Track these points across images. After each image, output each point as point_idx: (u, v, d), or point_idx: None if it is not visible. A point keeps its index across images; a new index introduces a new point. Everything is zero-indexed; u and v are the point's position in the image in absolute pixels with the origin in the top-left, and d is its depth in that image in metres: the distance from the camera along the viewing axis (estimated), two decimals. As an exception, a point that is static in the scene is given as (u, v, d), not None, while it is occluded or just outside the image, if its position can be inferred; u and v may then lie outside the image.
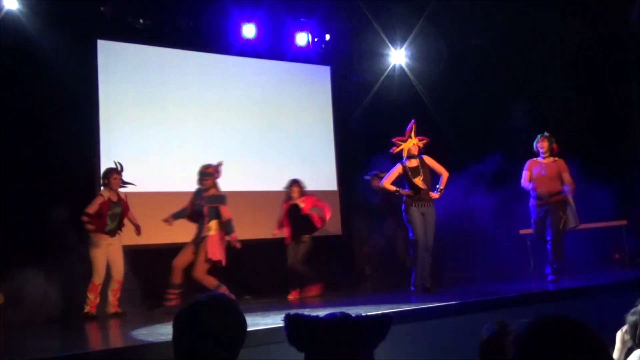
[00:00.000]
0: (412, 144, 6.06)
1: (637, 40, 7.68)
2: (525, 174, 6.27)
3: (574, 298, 4.80)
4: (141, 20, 7.47)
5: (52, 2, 6.86)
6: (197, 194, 6.12)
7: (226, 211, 6.02)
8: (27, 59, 6.59)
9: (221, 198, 6.07)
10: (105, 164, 7.23)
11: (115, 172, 6.16)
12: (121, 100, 7.55)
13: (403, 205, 6.03)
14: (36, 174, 6.49)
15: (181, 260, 5.96)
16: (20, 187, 6.34)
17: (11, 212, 6.16)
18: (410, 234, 6.00)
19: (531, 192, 6.22)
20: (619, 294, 4.17)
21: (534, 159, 6.30)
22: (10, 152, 6.33)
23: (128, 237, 7.29)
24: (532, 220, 6.27)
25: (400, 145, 6.12)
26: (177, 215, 6.28)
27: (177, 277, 5.90)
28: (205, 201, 6.01)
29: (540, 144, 6.21)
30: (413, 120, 6.15)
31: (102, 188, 6.19)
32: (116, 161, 6.26)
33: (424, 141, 6.16)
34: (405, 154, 6.10)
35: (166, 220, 6.22)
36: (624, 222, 7.34)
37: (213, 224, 5.94)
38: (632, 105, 7.97)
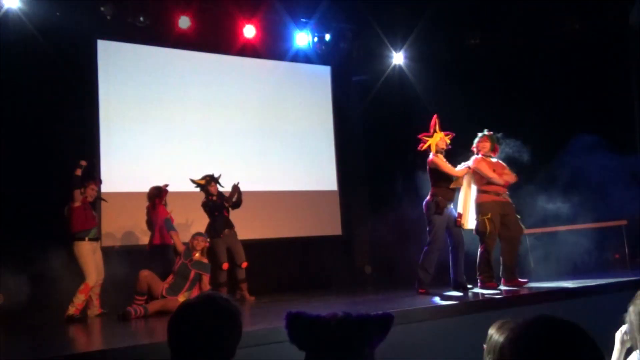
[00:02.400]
0: (439, 137, 5.76)
1: (637, 40, 7.69)
2: (485, 166, 5.71)
3: (573, 298, 4.80)
4: (141, 19, 7.46)
5: (53, 1, 6.87)
6: (187, 252, 5.96)
7: (208, 281, 5.96)
8: (27, 59, 6.59)
9: (207, 267, 6.01)
10: (105, 164, 7.24)
11: (94, 183, 6.18)
12: (121, 100, 7.56)
13: (435, 204, 5.58)
14: (36, 173, 6.49)
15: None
16: (20, 186, 6.34)
17: (10, 212, 6.16)
18: (431, 238, 5.57)
19: (483, 188, 5.73)
20: (619, 294, 4.17)
21: (480, 156, 5.81)
22: (10, 151, 6.33)
23: (130, 237, 7.31)
24: (487, 218, 5.65)
25: (427, 140, 5.79)
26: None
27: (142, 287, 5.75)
28: (193, 265, 5.88)
29: (482, 144, 5.83)
30: (435, 115, 5.85)
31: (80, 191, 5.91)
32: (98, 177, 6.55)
33: (450, 136, 5.86)
34: (433, 149, 5.75)
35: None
36: (624, 222, 7.32)
37: (195, 291, 5.82)
38: (632, 105, 7.98)
